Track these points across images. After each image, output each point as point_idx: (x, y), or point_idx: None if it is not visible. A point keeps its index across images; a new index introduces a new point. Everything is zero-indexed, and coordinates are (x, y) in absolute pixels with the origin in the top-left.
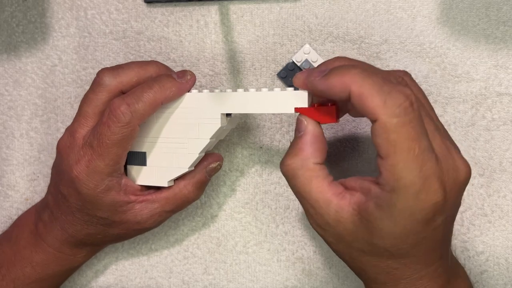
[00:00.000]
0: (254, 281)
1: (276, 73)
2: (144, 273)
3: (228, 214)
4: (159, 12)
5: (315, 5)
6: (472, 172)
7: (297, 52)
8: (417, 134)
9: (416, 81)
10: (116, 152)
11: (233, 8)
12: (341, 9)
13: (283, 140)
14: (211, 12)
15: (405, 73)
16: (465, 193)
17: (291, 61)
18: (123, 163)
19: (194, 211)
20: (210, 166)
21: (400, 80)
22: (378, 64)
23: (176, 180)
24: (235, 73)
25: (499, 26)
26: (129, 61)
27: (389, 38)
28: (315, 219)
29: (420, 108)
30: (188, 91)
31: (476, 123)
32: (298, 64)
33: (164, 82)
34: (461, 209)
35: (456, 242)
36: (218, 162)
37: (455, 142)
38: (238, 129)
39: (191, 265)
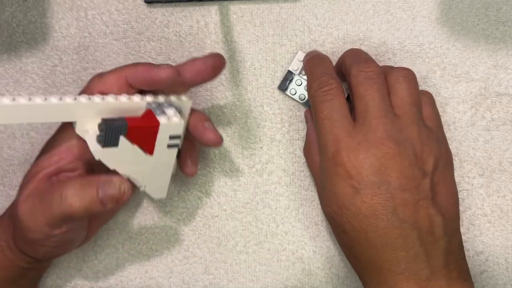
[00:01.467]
0: (254, 280)
1: (277, 86)
2: (145, 273)
3: (228, 214)
4: (160, 12)
5: (315, 6)
6: (472, 172)
7: (292, 60)
8: (377, 100)
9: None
10: None
11: (233, 8)
12: (341, 10)
13: (283, 140)
14: (211, 12)
15: (406, 71)
16: (465, 193)
17: (287, 70)
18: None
19: (194, 211)
20: (107, 178)
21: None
22: None
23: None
24: (235, 73)
25: (498, 26)
26: (129, 61)
27: (388, 39)
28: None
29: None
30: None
31: (475, 123)
32: (296, 72)
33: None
34: (461, 209)
35: None
36: (118, 181)
37: (455, 142)
38: (239, 129)
39: (191, 265)
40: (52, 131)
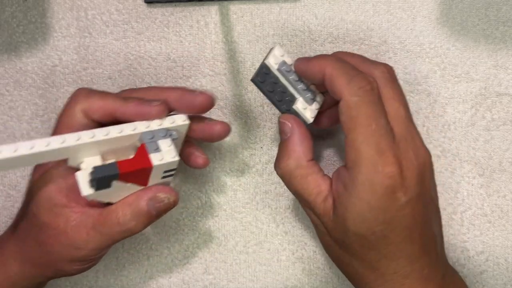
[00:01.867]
0: (254, 280)
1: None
2: (144, 273)
3: (228, 214)
4: (160, 12)
5: (315, 6)
6: (472, 172)
7: (268, 54)
8: (375, 113)
9: (416, 81)
10: None
11: (233, 8)
12: (341, 10)
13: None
14: (211, 12)
15: (385, 66)
16: (465, 192)
17: (263, 64)
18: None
19: (194, 211)
20: (156, 196)
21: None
22: None
23: (118, 201)
24: (235, 73)
25: (498, 26)
26: (129, 61)
27: (388, 39)
28: (313, 214)
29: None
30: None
31: (475, 123)
32: (275, 67)
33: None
34: (461, 209)
35: (456, 242)
36: (166, 195)
37: (455, 142)
38: (239, 129)
39: (191, 265)
40: (51, 131)
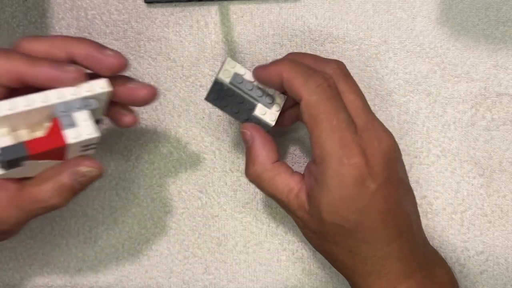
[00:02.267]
0: (254, 280)
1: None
2: (144, 273)
3: (228, 214)
4: (159, 12)
5: (315, 6)
6: (472, 172)
7: (220, 69)
8: (334, 108)
9: (416, 81)
10: None
11: (233, 8)
12: (341, 10)
13: (284, 140)
14: (211, 12)
15: (336, 62)
16: (465, 192)
17: (215, 80)
18: None
19: (194, 211)
20: (78, 170)
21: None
22: (377, 65)
23: (38, 175)
24: None
25: (498, 26)
26: (129, 61)
27: (389, 38)
28: (290, 212)
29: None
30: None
31: (476, 123)
32: (227, 81)
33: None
34: (461, 209)
35: (456, 242)
36: (88, 169)
37: (455, 142)
38: (239, 129)
39: (191, 265)
40: None
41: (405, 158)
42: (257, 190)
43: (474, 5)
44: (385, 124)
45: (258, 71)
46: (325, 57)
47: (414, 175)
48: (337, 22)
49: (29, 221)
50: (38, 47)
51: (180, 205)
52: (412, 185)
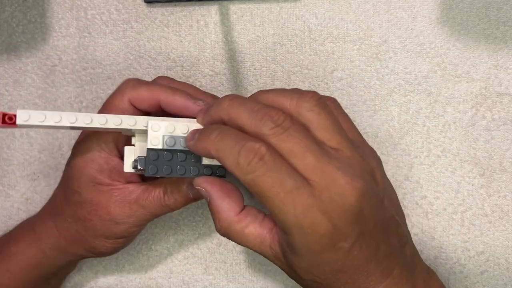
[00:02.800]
0: (254, 281)
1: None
2: (144, 273)
3: None
4: (159, 12)
5: (315, 5)
6: (473, 172)
7: (147, 138)
8: (277, 181)
9: (416, 81)
10: None
11: (233, 8)
12: (341, 9)
13: None
14: (211, 12)
15: (277, 113)
16: (465, 193)
17: (147, 151)
18: (115, 141)
19: (194, 211)
20: (195, 182)
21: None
22: (378, 65)
23: (161, 180)
24: (235, 73)
25: (499, 26)
26: (129, 61)
27: (389, 38)
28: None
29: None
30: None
31: (476, 123)
32: (160, 147)
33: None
34: (461, 209)
35: (457, 242)
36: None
37: (456, 142)
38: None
39: (191, 265)
40: (51, 131)
41: (405, 158)
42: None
43: (474, 5)
44: (385, 124)
45: (188, 145)
46: (325, 58)
47: (415, 175)
48: (337, 21)
49: (144, 225)
50: (178, 88)
51: None
52: (412, 185)
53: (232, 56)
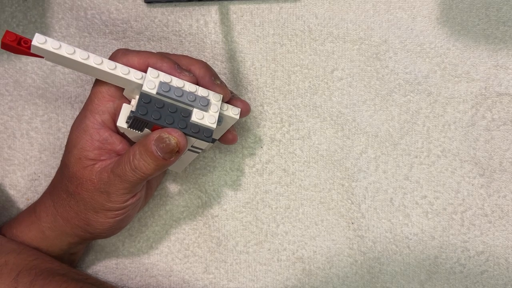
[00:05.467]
0: (255, 280)
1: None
2: (145, 272)
3: (229, 213)
4: (159, 12)
5: (315, 5)
6: (473, 172)
7: (144, 80)
8: None
9: (416, 81)
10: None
11: (233, 8)
12: (341, 9)
13: (283, 140)
14: (211, 12)
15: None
16: (465, 192)
17: (140, 94)
18: (111, 114)
19: (195, 210)
20: (160, 135)
21: None
22: (378, 65)
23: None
24: (235, 73)
25: (499, 26)
26: None
27: (389, 38)
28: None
29: None
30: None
31: (476, 123)
32: (154, 91)
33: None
34: (461, 209)
35: (457, 242)
36: (168, 136)
37: (456, 142)
38: (239, 129)
39: (191, 264)
40: (52, 131)
41: (405, 158)
42: (257, 189)
43: (474, 5)
44: (385, 124)
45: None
46: (325, 57)
47: (415, 175)
48: (337, 21)
49: (135, 199)
50: (167, 57)
51: (181, 204)
52: (412, 185)
53: (232, 56)
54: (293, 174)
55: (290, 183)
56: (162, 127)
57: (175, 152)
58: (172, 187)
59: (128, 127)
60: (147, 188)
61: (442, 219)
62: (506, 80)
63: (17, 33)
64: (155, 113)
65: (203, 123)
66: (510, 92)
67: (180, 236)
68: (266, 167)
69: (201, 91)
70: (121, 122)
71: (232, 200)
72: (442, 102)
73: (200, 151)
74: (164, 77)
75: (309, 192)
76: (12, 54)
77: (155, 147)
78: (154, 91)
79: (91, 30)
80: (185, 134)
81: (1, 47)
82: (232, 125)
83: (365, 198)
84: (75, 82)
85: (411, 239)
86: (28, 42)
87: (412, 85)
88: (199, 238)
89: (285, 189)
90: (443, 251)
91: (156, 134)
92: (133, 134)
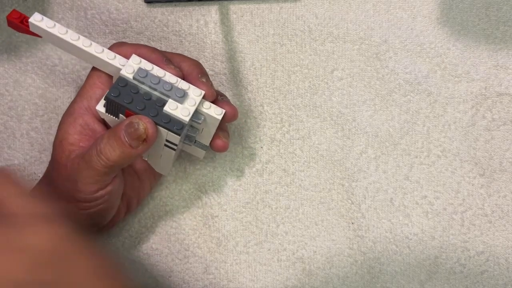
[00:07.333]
0: (255, 280)
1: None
2: (145, 272)
3: (229, 214)
4: (159, 12)
5: (315, 5)
6: (473, 172)
7: (125, 65)
8: None
9: (416, 81)
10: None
11: (233, 8)
12: (341, 9)
13: (283, 140)
14: (211, 12)
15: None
16: (465, 192)
17: (118, 77)
18: (98, 99)
19: (195, 211)
20: (131, 121)
21: None
22: (378, 65)
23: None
24: (235, 73)
25: (499, 26)
26: None
27: (389, 38)
28: None
29: None
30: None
31: (476, 123)
32: (130, 76)
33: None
34: (461, 209)
35: (457, 242)
36: (138, 121)
37: (456, 142)
38: (239, 129)
39: (191, 265)
40: (52, 131)
41: (406, 158)
42: (257, 190)
43: (474, 5)
44: (385, 124)
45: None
46: (325, 57)
47: (415, 175)
48: (337, 21)
49: (108, 191)
50: (160, 51)
51: (181, 204)
52: (412, 185)
53: (232, 56)
54: (293, 174)
55: (290, 183)
56: (134, 113)
57: (142, 140)
58: (172, 187)
59: (105, 112)
60: (140, 188)
61: (442, 219)
62: (506, 80)
63: (22, 13)
64: (128, 97)
65: (176, 114)
66: (510, 92)
67: (180, 236)
68: (266, 167)
69: (182, 84)
70: (100, 106)
71: (232, 200)
72: (442, 102)
73: (175, 147)
74: (145, 65)
75: (309, 192)
76: (12, 54)
77: (123, 132)
78: (131, 76)
79: (91, 30)
80: (155, 123)
81: (8, 25)
82: (225, 131)
83: (365, 198)
84: (75, 82)
85: (411, 239)
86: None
87: (412, 85)
88: (199, 238)
89: (285, 189)
90: (443, 251)
91: (128, 119)
92: (110, 119)
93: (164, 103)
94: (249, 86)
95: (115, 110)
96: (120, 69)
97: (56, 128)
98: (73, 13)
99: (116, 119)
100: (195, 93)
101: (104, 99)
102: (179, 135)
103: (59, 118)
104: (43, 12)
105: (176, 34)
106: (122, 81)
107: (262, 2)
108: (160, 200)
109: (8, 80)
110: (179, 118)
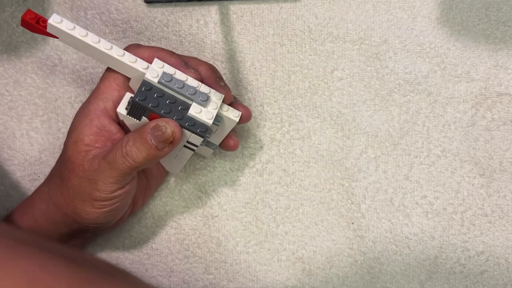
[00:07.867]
0: (255, 280)
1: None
2: (145, 272)
3: (229, 214)
4: (159, 12)
5: (315, 5)
6: (473, 172)
7: (148, 69)
8: None
9: (416, 81)
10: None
11: (233, 8)
12: (341, 9)
13: (283, 140)
14: (211, 12)
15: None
16: (465, 192)
17: (143, 81)
18: (114, 102)
19: (195, 211)
20: (157, 124)
21: None
22: (377, 65)
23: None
24: (235, 73)
25: (499, 26)
26: None
27: (389, 38)
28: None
29: None
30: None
31: (476, 123)
32: (155, 80)
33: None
34: (461, 209)
35: (457, 242)
36: (165, 124)
37: (456, 142)
38: (239, 129)
39: (191, 265)
40: (52, 131)
41: (405, 158)
42: (257, 190)
43: (474, 5)
44: (385, 124)
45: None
46: (325, 57)
47: (415, 175)
48: (337, 21)
49: (125, 192)
50: (178, 54)
51: (181, 204)
52: (412, 185)
53: (232, 56)
54: (293, 174)
55: (290, 183)
56: (159, 116)
57: (169, 142)
58: (172, 188)
59: (127, 114)
60: (146, 188)
61: (442, 219)
62: (506, 80)
63: (37, 13)
64: (154, 100)
65: (200, 117)
66: (510, 92)
67: (180, 236)
68: (266, 167)
69: (203, 88)
70: (121, 109)
71: (232, 200)
72: (442, 102)
73: (195, 148)
74: (168, 69)
75: (309, 192)
76: (12, 54)
77: (150, 135)
78: (156, 80)
79: (91, 30)
80: (181, 126)
81: (21, 25)
82: (234, 131)
83: (365, 198)
84: (75, 82)
85: (411, 239)
86: (46, 21)
87: (412, 85)
88: (199, 238)
89: (285, 189)
90: (443, 251)
91: (153, 122)
92: (131, 122)
93: (187, 106)
94: (249, 86)
95: (138, 113)
96: (141, 73)
97: (56, 128)
98: (73, 13)
99: (138, 121)
100: (216, 97)
101: (129, 102)
102: (203, 137)
103: (59, 118)
104: (43, 12)
105: (176, 34)
106: (147, 85)
107: (262, 2)
108: (160, 200)
109: (8, 80)
110: (203, 121)
